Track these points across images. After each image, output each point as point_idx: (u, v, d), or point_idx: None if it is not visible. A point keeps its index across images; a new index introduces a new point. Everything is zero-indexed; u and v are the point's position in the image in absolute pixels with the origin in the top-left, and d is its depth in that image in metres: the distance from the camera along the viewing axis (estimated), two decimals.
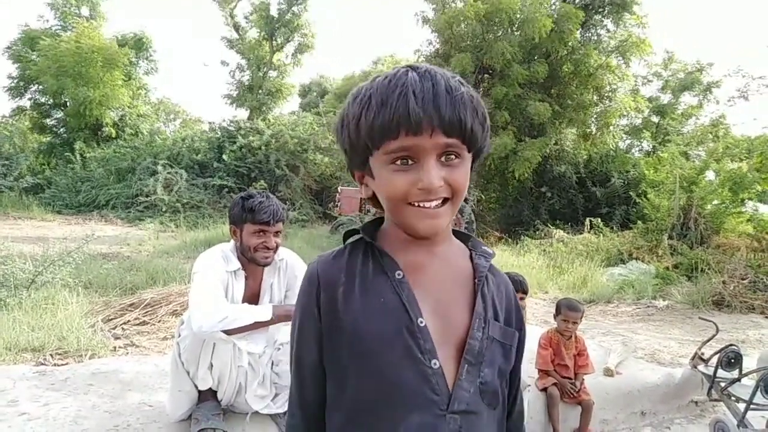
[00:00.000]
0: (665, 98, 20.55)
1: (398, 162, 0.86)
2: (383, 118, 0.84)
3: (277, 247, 2.45)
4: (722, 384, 3.39)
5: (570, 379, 3.21)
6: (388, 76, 0.87)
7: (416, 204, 0.88)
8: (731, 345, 3.53)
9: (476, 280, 0.98)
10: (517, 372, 1.06)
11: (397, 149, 0.85)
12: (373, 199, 0.98)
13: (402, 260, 0.95)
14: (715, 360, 3.51)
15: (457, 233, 1.06)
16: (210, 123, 19.65)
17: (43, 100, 20.35)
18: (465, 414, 0.89)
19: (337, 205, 14.27)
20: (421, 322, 0.90)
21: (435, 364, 0.89)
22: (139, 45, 21.33)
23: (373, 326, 0.91)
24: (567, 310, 3.27)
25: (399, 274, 0.93)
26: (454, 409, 0.88)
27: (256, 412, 2.47)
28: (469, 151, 0.90)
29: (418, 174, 0.85)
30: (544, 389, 3.20)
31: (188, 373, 2.32)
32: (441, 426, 0.88)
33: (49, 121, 20.77)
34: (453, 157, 0.87)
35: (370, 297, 0.93)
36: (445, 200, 0.89)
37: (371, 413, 0.91)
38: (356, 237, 1.02)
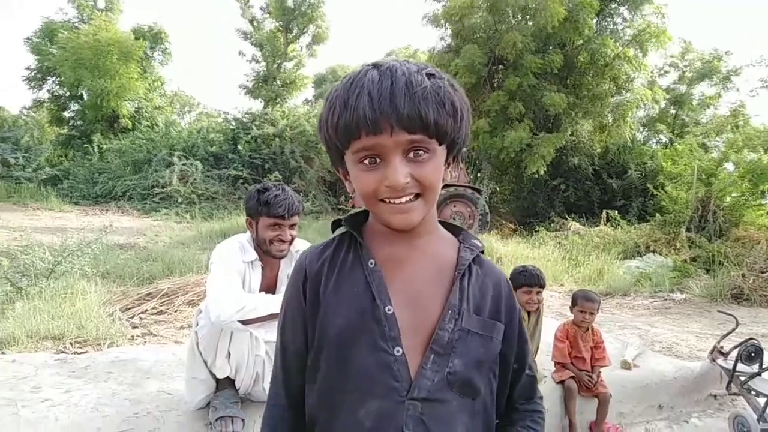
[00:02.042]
0: (682, 88, 20.17)
1: (366, 161, 0.88)
2: (345, 119, 0.85)
3: (292, 240, 2.45)
4: (742, 378, 3.35)
5: (587, 371, 3.19)
6: (351, 76, 0.88)
7: (387, 200, 0.89)
8: (751, 339, 3.48)
9: (455, 272, 0.99)
10: (518, 358, 1.07)
11: (361, 149, 0.87)
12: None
13: (381, 251, 0.99)
14: (734, 354, 3.47)
15: (449, 226, 1.08)
16: (224, 113, 19.70)
17: (60, 92, 20.58)
18: (427, 401, 0.90)
19: (350, 198, 14.29)
20: (389, 310, 0.93)
21: (398, 351, 0.91)
22: (155, 37, 21.48)
23: (342, 313, 0.95)
24: (583, 301, 3.24)
25: (371, 263, 0.97)
26: (414, 395, 0.90)
27: None
28: (440, 144, 0.89)
29: (384, 172, 0.87)
30: (561, 382, 3.18)
31: (206, 362, 2.34)
32: (400, 412, 0.89)
33: (66, 114, 21.02)
34: (421, 152, 0.87)
35: (344, 287, 0.97)
36: (417, 195, 0.89)
37: (335, 397, 0.94)
38: (343, 229, 1.05)
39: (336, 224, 1.07)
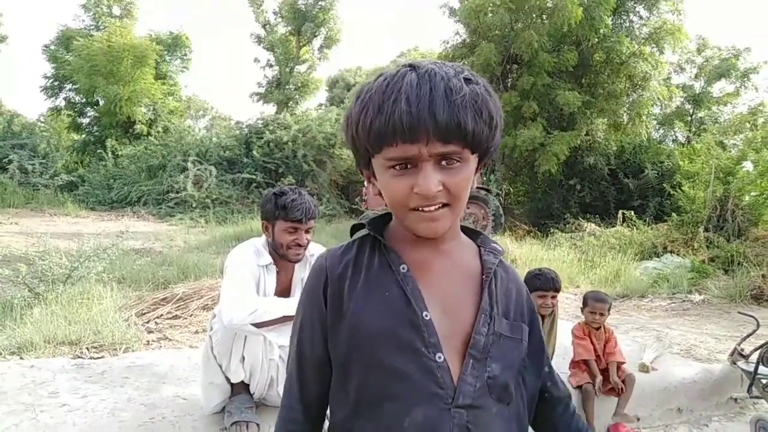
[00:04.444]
0: (699, 86, 19.88)
1: (396, 167, 0.85)
2: (379, 124, 0.82)
3: (308, 244, 2.45)
4: (764, 381, 3.28)
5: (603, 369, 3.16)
6: (387, 77, 0.85)
7: (417, 209, 0.87)
8: None
9: (483, 277, 0.98)
10: (541, 357, 1.09)
11: (395, 157, 0.84)
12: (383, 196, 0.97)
13: (408, 256, 0.96)
14: (755, 356, 3.40)
15: (466, 230, 1.06)
16: (238, 122, 19.86)
17: (77, 99, 20.88)
18: (470, 408, 0.89)
19: (363, 200, 14.28)
20: (426, 316, 0.90)
21: (440, 357, 0.89)
22: (176, 43, 21.75)
23: (375, 319, 0.91)
24: (594, 302, 3.22)
25: (404, 268, 0.94)
26: (459, 403, 0.88)
27: None
28: (473, 153, 0.87)
29: (415, 179, 0.84)
30: (579, 387, 3.14)
31: (220, 366, 2.35)
32: (446, 420, 0.87)
33: (82, 120, 21.30)
34: (454, 161, 0.85)
35: (374, 291, 0.94)
36: (445, 204, 0.87)
37: (375, 407, 0.91)
38: (364, 232, 1.02)
39: (355, 228, 1.05)
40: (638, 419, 3.23)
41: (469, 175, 0.88)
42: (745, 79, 18.74)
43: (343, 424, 0.95)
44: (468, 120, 0.80)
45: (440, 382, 0.88)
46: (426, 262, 0.96)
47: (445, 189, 0.85)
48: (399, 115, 0.79)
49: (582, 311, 3.33)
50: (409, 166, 0.84)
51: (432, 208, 0.86)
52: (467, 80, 0.83)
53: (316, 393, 1.01)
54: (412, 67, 0.84)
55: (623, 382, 3.12)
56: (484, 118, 0.83)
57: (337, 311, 0.95)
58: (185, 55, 22.53)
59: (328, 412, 1.03)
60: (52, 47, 20.22)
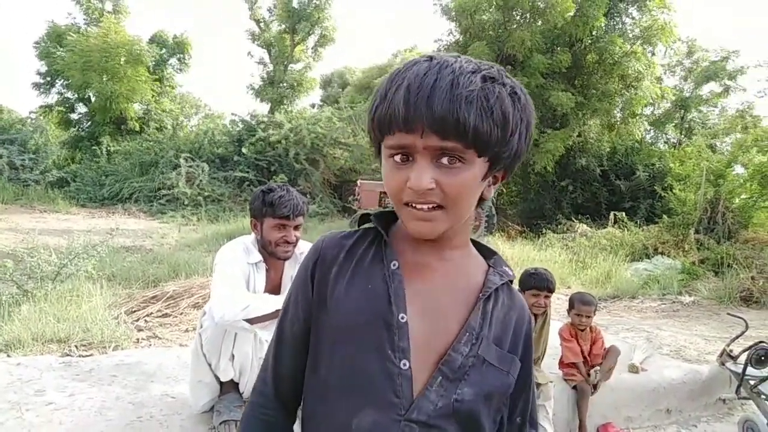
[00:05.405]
0: (688, 88, 19.97)
1: (397, 158, 0.82)
2: (382, 111, 0.81)
3: (297, 241, 2.44)
4: (752, 382, 3.31)
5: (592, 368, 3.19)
6: (403, 65, 0.82)
7: (409, 204, 0.83)
8: (761, 342, 3.44)
9: (480, 294, 0.92)
10: (522, 410, 1.00)
11: (393, 146, 0.82)
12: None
13: (407, 256, 0.92)
14: (744, 357, 3.43)
15: (482, 247, 1.01)
16: (233, 114, 19.77)
17: (68, 95, 20.73)
18: (425, 426, 0.83)
19: (356, 199, 14.26)
20: (402, 318, 0.86)
21: (404, 365, 0.84)
22: (179, 47, 21.73)
23: (351, 310, 0.89)
24: (580, 305, 3.23)
25: (394, 265, 0.91)
26: (413, 417, 0.83)
27: None
28: (479, 156, 0.80)
29: (409, 172, 0.81)
30: (574, 387, 3.17)
31: (210, 364, 2.33)
32: (394, 430, 0.83)
33: (74, 116, 21.16)
34: (456, 160, 0.79)
35: (358, 282, 0.91)
36: (438, 206, 0.82)
37: (332, 399, 0.88)
38: (370, 224, 0.99)
39: (363, 219, 1.02)
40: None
41: (469, 179, 0.81)
42: (732, 80, 18.81)
43: (307, 412, 0.94)
44: (470, 117, 0.75)
45: (397, 390, 0.84)
46: (423, 265, 0.92)
47: (439, 188, 0.80)
48: (397, 104, 0.77)
49: (568, 313, 3.34)
50: (409, 158, 0.81)
51: (424, 207, 0.81)
52: (487, 78, 0.78)
53: (289, 370, 0.98)
54: (429, 57, 0.81)
55: (607, 352, 3.20)
56: (494, 118, 0.77)
57: (321, 295, 0.93)
58: (185, 59, 22.49)
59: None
60: (43, 44, 20.05)
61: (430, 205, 0.82)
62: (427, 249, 0.92)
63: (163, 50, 21.35)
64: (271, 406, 0.99)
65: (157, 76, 20.56)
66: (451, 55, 0.82)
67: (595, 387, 3.15)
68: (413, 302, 0.88)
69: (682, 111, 19.60)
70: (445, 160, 0.80)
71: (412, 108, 0.76)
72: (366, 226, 1.00)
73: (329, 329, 0.91)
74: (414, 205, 0.82)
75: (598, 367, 3.17)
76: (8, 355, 3.31)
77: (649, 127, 19.33)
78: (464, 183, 0.81)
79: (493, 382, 0.89)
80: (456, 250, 0.94)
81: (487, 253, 1.01)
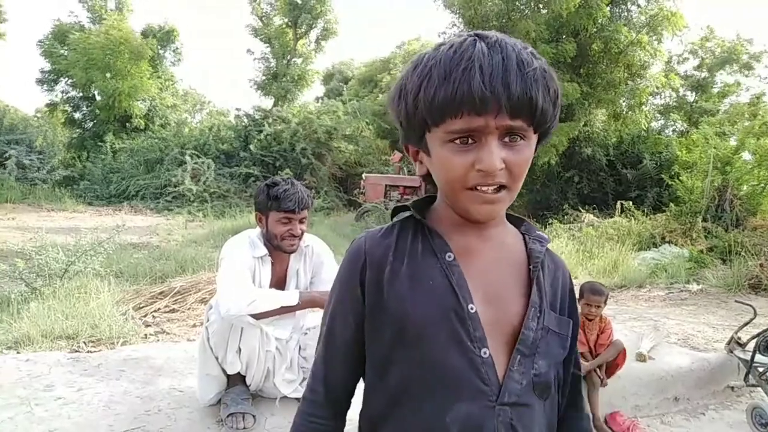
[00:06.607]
0: (702, 75, 19.78)
1: (457, 141, 0.80)
2: (445, 94, 0.77)
3: (302, 235, 2.44)
4: (760, 369, 3.29)
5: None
6: (454, 45, 0.79)
7: (476, 188, 0.82)
8: None
9: (531, 267, 0.92)
10: (572, 359, 1.01)
11: (457, 130, 0.79)
12: (428, 177, 0.92)
13: (453, 242, 0.90)
14: (752, 344, 3.40)
15: (510, 216, 1.00)
16: (237, 110, 19.79)
17: (72, 93, 20.80)
18: (515, 406, 0.85)
19: (362, 192, 14.27)
20: (472, 308, 0.86)
21: (485, 353, 0.85)
22: (166, 37, 21.66)
23: (419, 309, 0.87)
24: (590, 294, 3.19)
25: (450, 256, 0.89)
26: (504, 400, 0.84)
27: (285, 397, 2.49)
28: (535, 132, 0.83)
29: (477, 154, 0.79)
30: (585, 376, 3.15)
31: (217, 357, 2.34)
32: (490, 417, 0.84)
33: (78, 114, 21.24)
34: (518, 138, 0.80)
35: (418, 279, 0.89)
36: (502, 187, 0.82)
37: (416, 399, 0.87)
38: (406, 214, 0.97)
39: (396, 211, 1.00)
40: None
41: (530, 155, 0.83)
42: (747, 68, 18.61)
43: (380, 415, 0.91)
44: (539, 95, 0.77)
45: (485, 378, 0.84)
46: (471, 248, 0.91)
47: (507, 168, 0.80)
48: (470, 85, 0.75)
49: (578, 302, 3.31)
50: (471, 140, 0.80)
51: (491, 188, 0.81)
52: (533, 55, 0.79)
53: (341, 376, 0.97)
54: (479, 36, 0.79)
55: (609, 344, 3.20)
56: (551, 94, 0.80)
57: (377, 298, 0.90)
58: (176, 48, 22.48)
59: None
60: (47, 42, 20.11)
61: (496, 186, 0.82)
62: (471, 231, 0.91)
63: (155, 42, 21.29)
64: (321, 414, 0.98)
65: (156, 71, 20.59)
66: (494, 34, 0.81)
67: (603, 377, 3.13)
68: (475, 289, 0.88)
69: (695, 97, 19.41)
70: (508, 139, 0.80)
71: (489, 88, 0.75)
72: (401, 216, 0.98)
73: (394, 332, 0.89)
74: (481, 188, 0.82)
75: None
76: (18, 352, 3.34)
77: (659, 116, 19.18)
78: (527, 160, 0.83)
79: (558, 349, 0.92)
80: (496, 227, 0.94)
81: (516, 221, 1.01)
